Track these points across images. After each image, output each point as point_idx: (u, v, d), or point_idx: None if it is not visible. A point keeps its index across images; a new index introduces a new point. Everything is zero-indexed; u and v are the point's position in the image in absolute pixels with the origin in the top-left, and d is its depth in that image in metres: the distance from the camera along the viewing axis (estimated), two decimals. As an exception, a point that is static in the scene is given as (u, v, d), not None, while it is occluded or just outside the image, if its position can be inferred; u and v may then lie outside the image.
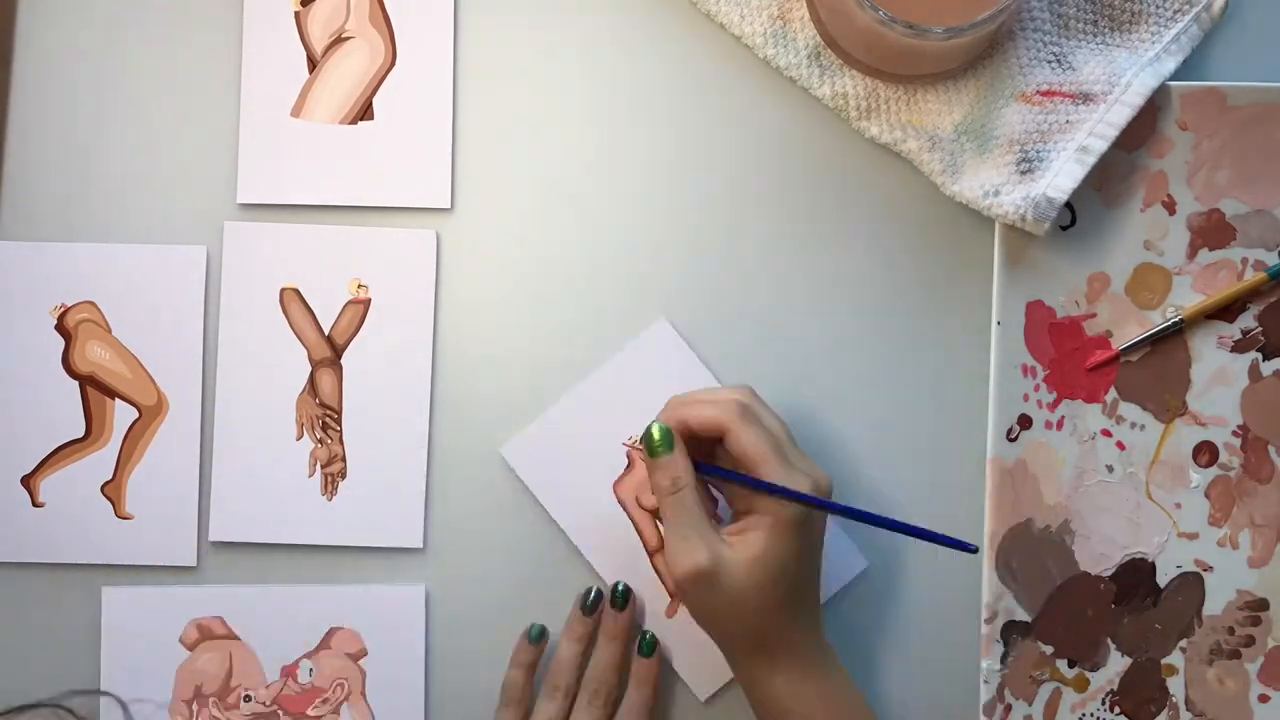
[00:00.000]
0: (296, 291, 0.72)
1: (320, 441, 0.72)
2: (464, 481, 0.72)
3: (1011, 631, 0.70)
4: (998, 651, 0.70)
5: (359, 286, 0.72)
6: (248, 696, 0.71)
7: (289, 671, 0.71)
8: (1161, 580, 0.70)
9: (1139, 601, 0.70)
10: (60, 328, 0.72)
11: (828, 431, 0.72)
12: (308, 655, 0.71)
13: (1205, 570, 0.70)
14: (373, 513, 0.72)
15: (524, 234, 0.72)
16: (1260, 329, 0.70)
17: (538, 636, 0.70)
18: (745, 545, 0.63)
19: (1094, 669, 0.70)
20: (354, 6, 0.72)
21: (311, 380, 0.72)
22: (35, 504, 0.72)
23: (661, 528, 0.68)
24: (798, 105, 0.72)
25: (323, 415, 0.72)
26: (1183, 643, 0.70)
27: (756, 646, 0.65)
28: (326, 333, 0.72)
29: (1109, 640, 0.70)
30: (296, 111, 0.72)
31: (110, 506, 0.72)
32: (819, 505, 0.63)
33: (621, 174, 0.72)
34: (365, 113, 0.72)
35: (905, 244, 0.72)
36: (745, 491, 0.64)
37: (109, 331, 0.72)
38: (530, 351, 0.72)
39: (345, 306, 0.72)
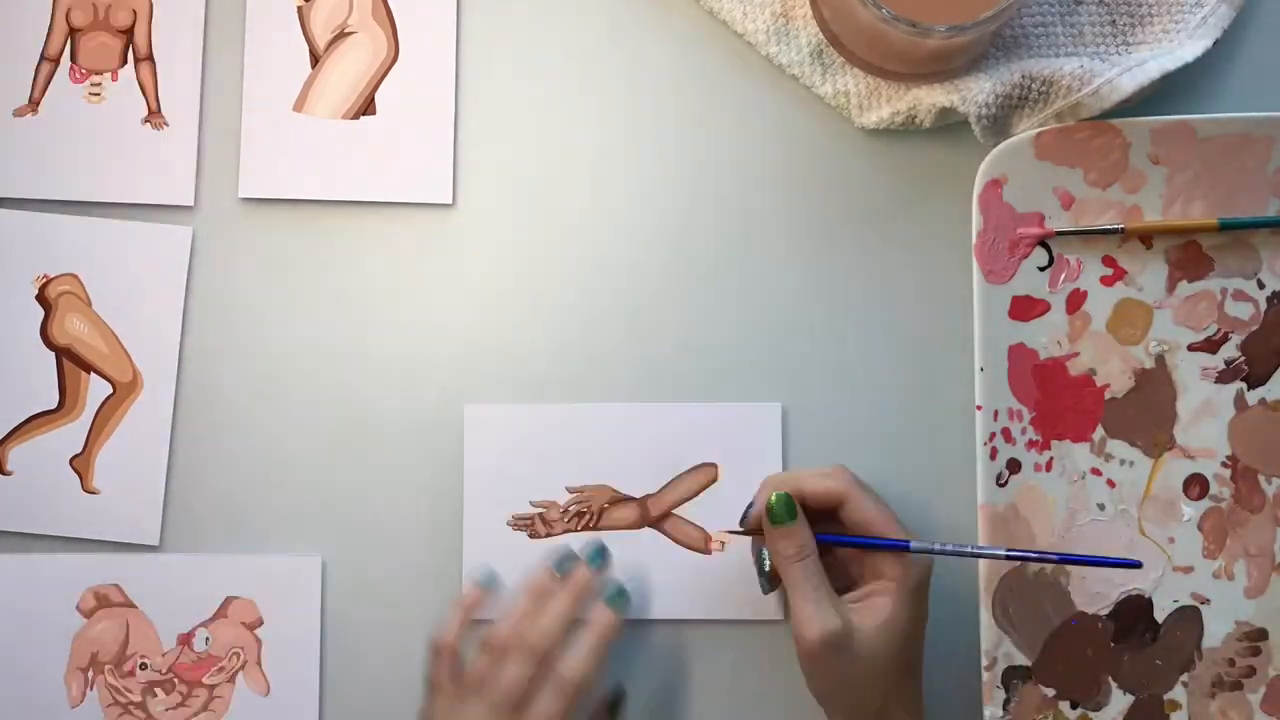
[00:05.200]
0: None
1: None
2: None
3: (1012, 677, 0.69)
4: (999, 698, 0.69)
5: None
6: (144, 664, 0.71)
7: (185, 640, 0.71)
8: (1159, 615, 0.70)
9: (1138, 638, 0.70)
10: (41, 298, 0.72)
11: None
12: (204, 624, 0.71)
13: (1202, 603, 0.70)
14: None
15: (526, 230, 0.72)
16: (1243, 358, 0.70)
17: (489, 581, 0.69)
18: (872, 611, 0.63)
19: (1097, 709, 0.69)
20: (356, 2, 0.73)
21: None
22: (3, 472, 0.71)
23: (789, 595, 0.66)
24: (799, 103, 0.72)
25: None
26: (1184, 677, 0.70)
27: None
28: None
29: (1110, 679, 0.70)
30: (299, 106, 0.72)
31: (78, 479, 0.71)
32: (955, 554, 0.64)
33: (622, 170, 0.73)
34: (367, 108, 0.72)
35: (903, 248, 0.72)
36: (858, 560, 0.65)
37: (89, 305, 0.72)
38: (519, 367, 0.72)
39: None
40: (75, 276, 0.72)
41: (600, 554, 0.69)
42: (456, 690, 0.66)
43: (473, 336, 0.72)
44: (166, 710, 0.71)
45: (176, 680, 0.71)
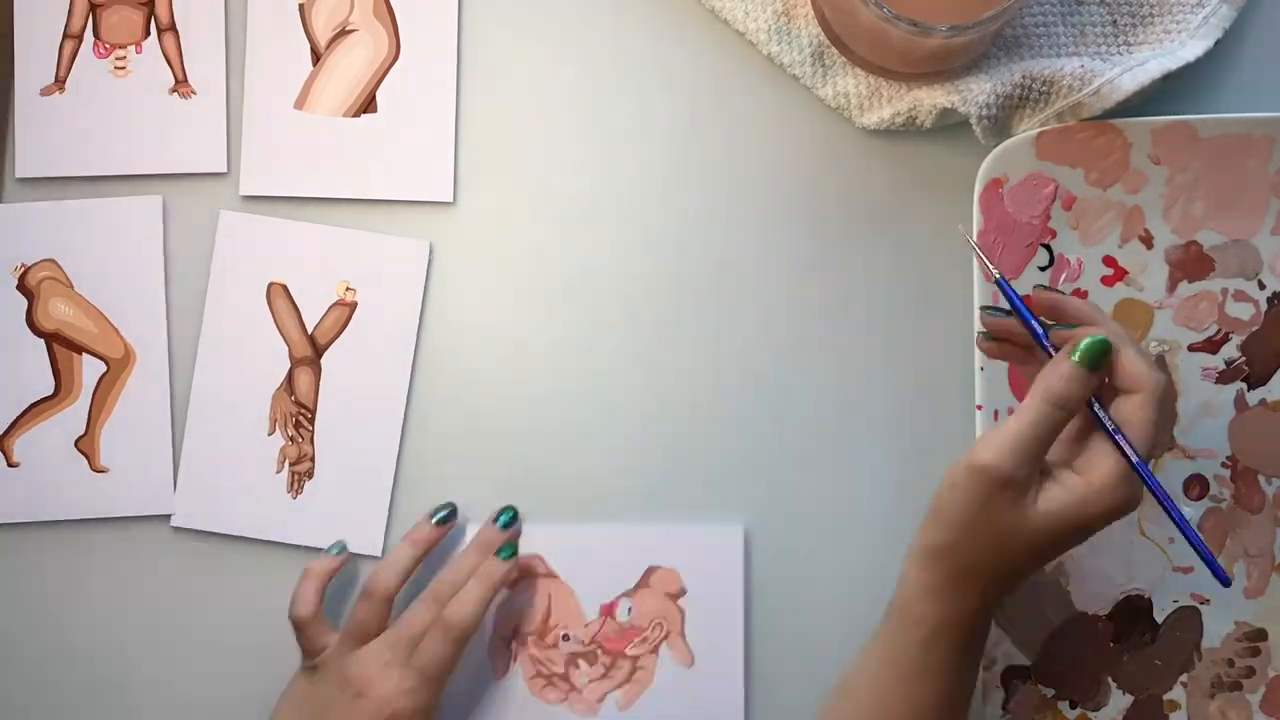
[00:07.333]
0: (284, 287, 0.72)
1: (291, 439, 0.72)
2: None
3: (1012, 677, 0.69)
4: (999, 698, 0.69)
5: (346, 289, 0.72)
6: (566, 635, 0.71)
7: (607, 610, 0.71)
8: (1159, 616, 0.70)
9: (1137, 639, 0.70)
10: (22, 287, 0.72)
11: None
12: (625, 594, 0.71)
13: (1202, 604, 0.70)
14: (336, 515, 0.72)
15: (526, 230, 0.73)
16: (1244, 359, 0.70)
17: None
18: (1048, 497, 0.57)
19: (1096, 709, 0.70)
20: (358, 0, 0.73)
21: (290, 377, 0.72)
22: (10, 464, 0.72)
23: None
24: (799, 103, 0.72)
25: (296, 413, 0.72)
26: (1183, 677, 0.70)
27: (960, 580, 0.59)
28: (309, 331, 0.72)
29: (1109, 679, 0.70)
30: (300, 104, 0.72)
31: (85, 461, 0.72)
32: (1153, 490, 0.58)
33: (622, 169, 0.73)
34: (368, 106, 0.72)
35: (903, 248, 0.72)
36: (1082, 446, 0.58)
37: (71, 287, 0.72)
38: (520, 363, 0.72)
39: (331, 308, 0.72)
40: (53, 261, 0.72)
41: (512, 518, 0.70)
42: (345, 639, 0.67)
43: (456, 350, 0.72)
44: (590, 682, 0.71)
45: (600, 651, 0.71)
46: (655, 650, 0.70)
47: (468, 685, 0.70)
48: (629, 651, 0.70)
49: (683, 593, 0.70)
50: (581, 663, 0.70)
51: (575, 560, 0.71)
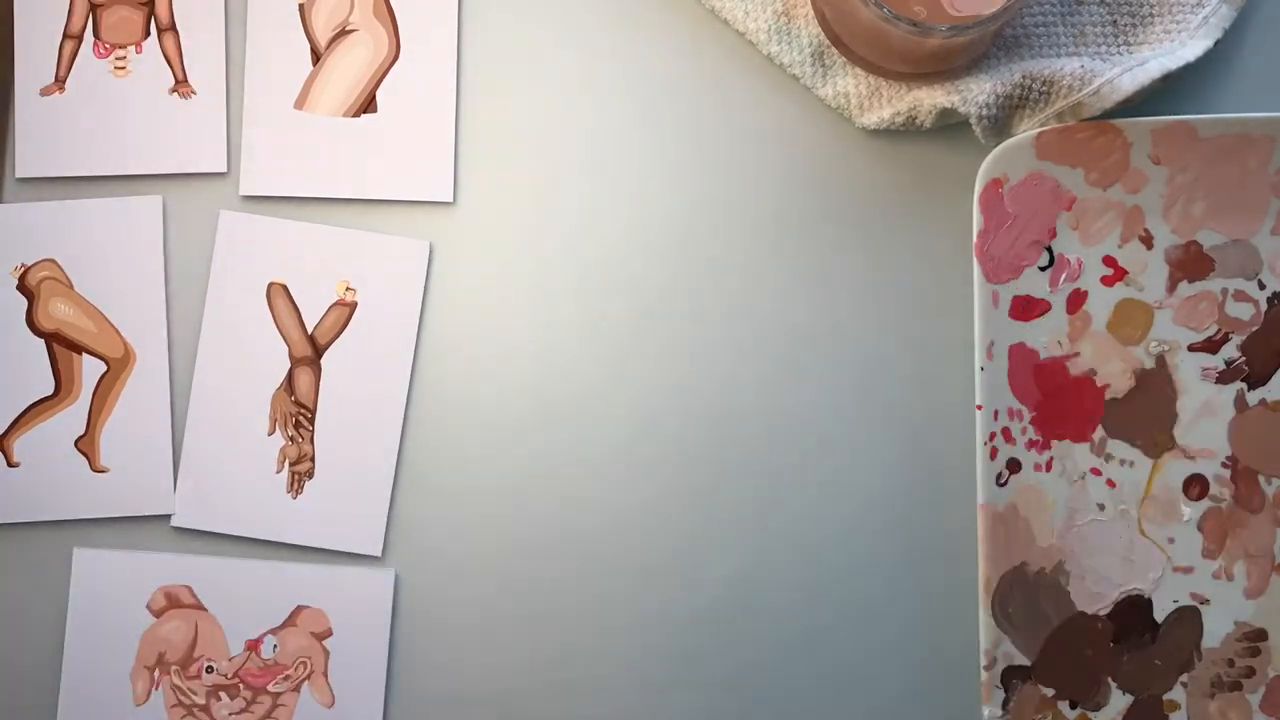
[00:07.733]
0: (284, 287, 0.72)
1: (291, 439, 0.72)
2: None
3: (1011, 676, 0.69)
4: (999, 698, 0.69)
5: (346, 289, 0.72)
6: (210, 667, 0.70)
7: (253, 646, 0.71)
8: (1159, 616, 0.70)
9: (1137, 639, 0.70)
10: (22, 287, 0.72)
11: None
12: (272, 631, 0.71)
13: (1202, 603, 0.70)
14: (336, 515, 0.72)
15: (526, 230, 0.72)
16: (1244, 359, 0.70)
17: None
18: None
19: (1096, 709, 0.70)
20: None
21: (290, 377, 0.72)
22: (10, 464, 0.71)
23: None
24: (799, 103, 0.72)
25: (296, 413, 0.72)
26: (1183, 677, 0.70)
27: None
28: (309, 331, 0.72)
29: (1109, 679, 0.70)
30: (300, 104, 0.73)
31: (85, 461, 0.71)
32: None
33: (622, 169, 0.73)
34: (369, 105, 0.73)
35: (903, 248, 0.72)
36: None
37: (71, 287, 0.72)
38: (520, 364, 0.72)
39: (331, 308, 0.72)
40: (53, 261, 0.72)
41: None
42: None
43: (457, 352, 0.72)
44: (230, 715, 0.71)
45: (242, 686, 0.71)
46: (297, 689, 0.71)
47: (104, 711, 0.70)
48: (271, 688, 0.71)
49: (329, 633, 0.71)
50: (224, 695, 0.70)
51: (225, 593, 0.71)
